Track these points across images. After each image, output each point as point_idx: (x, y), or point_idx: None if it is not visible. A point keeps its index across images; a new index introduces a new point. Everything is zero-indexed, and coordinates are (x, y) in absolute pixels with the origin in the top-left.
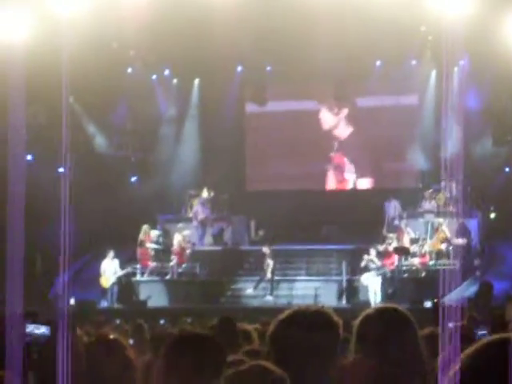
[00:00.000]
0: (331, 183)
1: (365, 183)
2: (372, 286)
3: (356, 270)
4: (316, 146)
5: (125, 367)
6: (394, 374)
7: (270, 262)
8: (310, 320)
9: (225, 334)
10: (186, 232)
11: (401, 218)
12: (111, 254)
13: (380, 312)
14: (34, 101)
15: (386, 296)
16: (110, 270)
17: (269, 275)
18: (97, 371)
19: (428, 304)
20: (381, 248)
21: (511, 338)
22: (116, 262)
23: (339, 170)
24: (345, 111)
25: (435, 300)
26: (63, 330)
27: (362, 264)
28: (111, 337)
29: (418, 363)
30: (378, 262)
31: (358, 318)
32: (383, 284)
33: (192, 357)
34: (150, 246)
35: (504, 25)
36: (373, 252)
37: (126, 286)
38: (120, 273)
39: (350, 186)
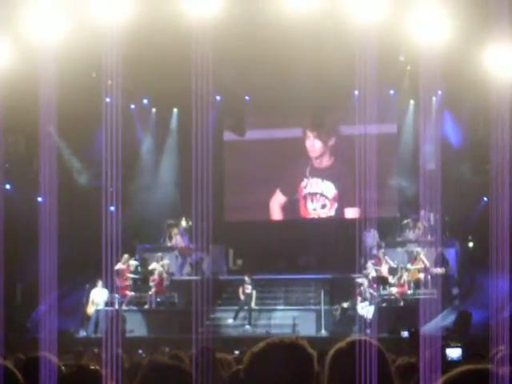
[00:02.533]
0: (308, 212)
1: (347, 213)
2: (363, 315)
3: (334, 299)
4: (295, 175)
5: None
6: None
7: (249, 292)
8: (284, 353)
9: (204, 364)
10: (165, 261)
11: (379, 247)
12: (100, 283)
13: (351, 345)
14: (14, 130)
15: (365, 325)
16: (97, 297)
17: (248, 305)
18: None
19: (405, 334)
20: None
21: (489, 368)
22: (105, 291)
23: (319, 198)
24: (332, 140)
25: (412, 330)
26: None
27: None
28: (92, 367)
29: None
30: (371, 291)
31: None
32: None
33: None
34: (129, 275)
35: (481, 55)
36: (364, 281)
37: (110, 315)
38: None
39: (331, 214)
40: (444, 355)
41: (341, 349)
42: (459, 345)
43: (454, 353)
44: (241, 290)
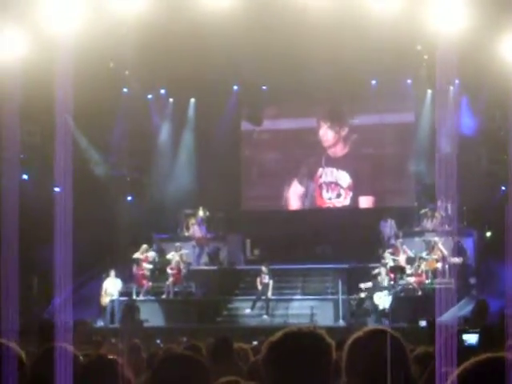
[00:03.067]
0: (324, 201)
1: (361, 202)
2: (382, 306)
3: (352, 289)
4: (312, 165)
5: None
6: None
7: (267, 281)
8: (302, 342)
9: (221, 354)
10: (183, 251)
11: (397, 237)
12: (113, 273)
13: (369, 335)
14: (30, 119)
15: (383, 315)
16: (110, 287)
17: (266, 294)
18: None
19: (423, 323)
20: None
21: (506, 356)
22: (118, 281)
23: (334, 188)
24: (345, 129)
25: (430, 319)
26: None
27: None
28: (110, 357)
29: None
30: (388, 281)
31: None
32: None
33: (177, 377)
34: (147, 266)
35: (498, 44)
36: (383, 270)
37: (124, 304)
38: (118, 292)
39: (345, 203)
40: (461, 341)
41: (359, 338)
42: (476, 330)
43: (471, 338)
44: (258, 279)
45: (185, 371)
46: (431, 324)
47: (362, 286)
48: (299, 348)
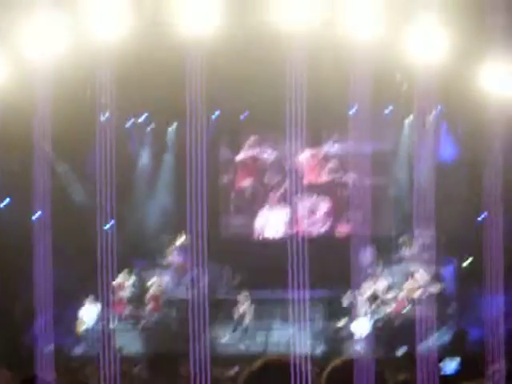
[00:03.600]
0: (303, 229)
1: (339, 229)
2: (360, 334)
3: (330, 316)
4: (290, 192)
5: None
6: None
7: (245, 309)
8: (281, 371)
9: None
10: (163, 279)
11: (375, 264)
12: (90, 299)
13: (347, 363)
14: (8, 147)
15: (360, 342)
16: (87, 315)
17: (244, 322)
18: None
19: (401, 352)
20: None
21: None
22: (94, 308)
23: (312, 215)
24: (323, 157)
25: (409, 347)
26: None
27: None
28: None
29: None
30: (366, 309)
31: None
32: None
33: None
34: (126, 293)
35: (477, 74)
36: (361, 298)
37: (102, 331)
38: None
39: (323, 231)
40: (439, 369)
41: (336, 367)
42: (455, 358)
43: (450, 366)
44: (238, 307)
45: None
46: (410, 352)
47: (341, 324)
48: (278, 377)
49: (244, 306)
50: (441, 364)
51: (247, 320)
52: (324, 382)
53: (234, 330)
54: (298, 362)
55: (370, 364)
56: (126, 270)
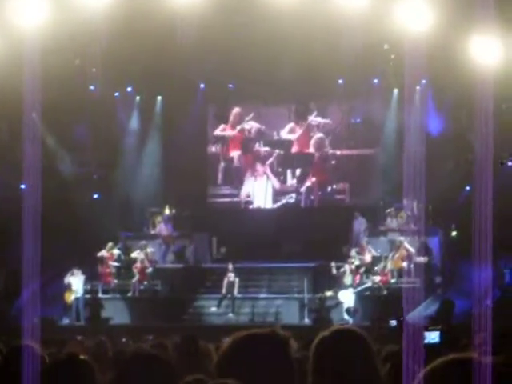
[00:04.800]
0: (291, 199)
1: (326, 200)
2: (347, 304)
3: (317, 287)
4: (278, 163)
5: None
6: None
7: (232, 280)
8: (262, 344)
9: (188, 352)
10: (149, 249)
11: (363, 235)
12: (77, 270)
13: (335, 334)
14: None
15: (348, 314)
16: (75, 284)
17: (232, 293)
18: None
19: (393, 323)
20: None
21: (473, 357)
22: (81, 277)
23: (300, 185)
24: (311, 128)
25: (401, 318)
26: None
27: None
28: (81, 357)
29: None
30: (353, 279)
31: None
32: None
33: (144, 376)
34: (112, 263)
35: (465, 44)
36: (348, 268)
37: (90, 302)
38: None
39: (311, 201)
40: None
41: (325, 337)
42: (438, 328)
43: (431, 336)
44: (225, 278)
45: (151, 370)
46: (401, 323)
47: (328, 294)
48: (259, 349)
49: (230, 277)
50: (426, 333)
51: (234, 291)
52: (313, 352)
53: (219, 306)
54: (279, 334)
55: (357, 334)
56: (112, 242)
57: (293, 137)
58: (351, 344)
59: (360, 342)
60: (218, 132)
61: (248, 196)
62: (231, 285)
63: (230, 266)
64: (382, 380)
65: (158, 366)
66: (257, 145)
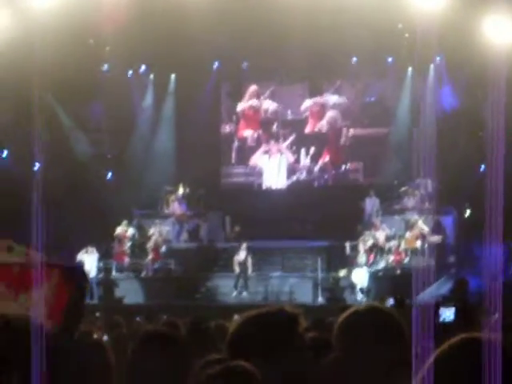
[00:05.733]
0: (305, 177)
1: (341, 178)
2: (361, 284)
3: (331, 266)
4: (292, 142)
5: (104, 370)
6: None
7: (244, 259)
8: (270, 322)
9: (197, 334)
10: (163, 228)
11: (377, 214)
12: (91, 248)
13: (365, 311)
14: (8, 97)
15: (362, 293)
16: (88, 263)
17: (245, 272)
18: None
19: (390, 302)
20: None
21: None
22: (95, 255)
23: (314, 164)
24: (325, 107)
25: (398, 296)
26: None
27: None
28: (95, 336)
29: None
30: (367, 258)
31: (339, 315)
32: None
33: (158, 356)
34: (127, 242)
35: (478, 22)
36: (362, 248)
37: (103, 281)
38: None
39: (325, 180)
40: (437, 316)
41: (354, 314)
42: (452, 304)
43: (447, 313)
44: (236, 257)
45: (165, 350)
46: (399, 302)
47: (342, 273)
48: (268, 327)
49: (244, 256)
50: (441, 310)
51: (247, 270)
52: (342, 327)
53: (236, 286)
54: (289, 312)
55: (388, 313)
56: (126, 220)
57: (307, 116)
58: (381, 321)
59: (389, 320)
60: (235, 111)
61: (261, 175)
62: (244, 264)
63: (243, 245)
64: (408, 360)
65: (172, 346)
66: (272, 124)
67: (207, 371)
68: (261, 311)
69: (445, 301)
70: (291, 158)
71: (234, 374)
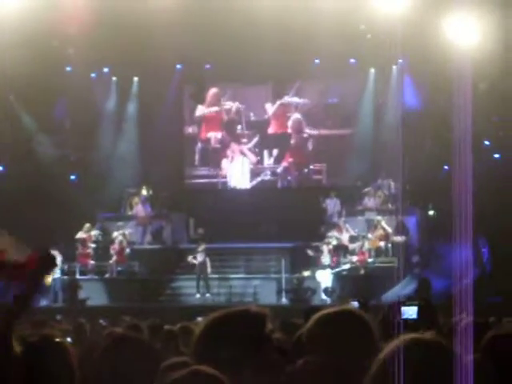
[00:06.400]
0: (268, 179)
1: (303, 180)
2: (325, 284)
3: (295, 267)
4: (254, 143)
5: (66, 372)
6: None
7: (202, 260)
8: (236, 322)
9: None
10: (127, 231)
11: (340, 215)
12: (54, 250)
13: (336, 313)
14: None
15: (326, 294)
16: None
17: (205, 273)
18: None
19: (355, 304)
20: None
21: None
22: (59, 258)
23: (276, 166)
24: (287, 108)
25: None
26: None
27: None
28: (57, 340)
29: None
30: (330, 259)
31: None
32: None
33: (125, 360)
34: (90, 245)
35: (440, 22)
36: (325, 248)
37: (67, 283)
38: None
39: (288, 181)
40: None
41: (328, 316)
42: (415, 303)
43: (409, 312)
44: (194, 259)
45: (133, 354)
46: (363, 305)
47: (305, 274)
48: (234, 327)
49: (202, 258)
50: (404, 309)
51: (206, 270)
52: (313, 330)
53: (198, 288)
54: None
55: (357, 314)
56: (89, 224)
57: (269, 117)
58: (351, 323)
59: (359, 320)
60: (198, 113)
61: (225, 177)
62: (202, 265)
63: (201, 247)
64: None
65: (139, 350)
66: (235, 125)
67: (172, 375)
68: (227, 312)
69: (408, 300)
70: (254, 159)
71: (199, 379)
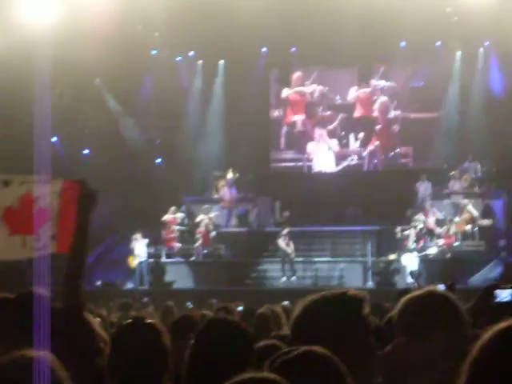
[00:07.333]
0: (355, 162)
1: (391, 163)
2: (411, 267)
3: (381, 250)
4: (341, 127)
5: (159, 353)
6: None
7: (288, 244)
8: (335, 305)
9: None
10: (213, 214)
11: (428, 198)
12: (140, 234)
13: (424, 296)
14: (60, 83)
15: (412, 277)
16: (138, 249)
17: (288, 256)
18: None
19: (441, 287)
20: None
21: None
22: (144, 241)
23: (364, 149)
24: (374, 91)
25: (449, 283)
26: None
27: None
28: (148, 321)
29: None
30: (417, 242)
31: (396, 299)
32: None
33: (221, 343)
34: (176, 228)
35: None
36: (412, 232)
37: (153, 266)
38: (147, 253)
39: (374, 165)
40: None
41: (414, 298)
42: (509, 286)
43: (503, 294)
44: (279, 242)
45: (229, 336)
46: (450, 287)
47: (391, 257)
48: (333, 310)
49: (284, 241)
50: (497, 292)
51: (291, 254)
52: (404, 313)
53: (283, 272)
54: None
55: (446, 297)
56: (175, 207)
57: (356, 100)
58: (438, 305)
59: (449, 305)
60: (283, 96)
61: (310, 160)
62: (288, 248)
63: (285, 230)
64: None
65: (235, 332)
66: (320, 109)
67: (282, 358)
68: (325, 294)
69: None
70: (340, 142)
71: (313, 359)
